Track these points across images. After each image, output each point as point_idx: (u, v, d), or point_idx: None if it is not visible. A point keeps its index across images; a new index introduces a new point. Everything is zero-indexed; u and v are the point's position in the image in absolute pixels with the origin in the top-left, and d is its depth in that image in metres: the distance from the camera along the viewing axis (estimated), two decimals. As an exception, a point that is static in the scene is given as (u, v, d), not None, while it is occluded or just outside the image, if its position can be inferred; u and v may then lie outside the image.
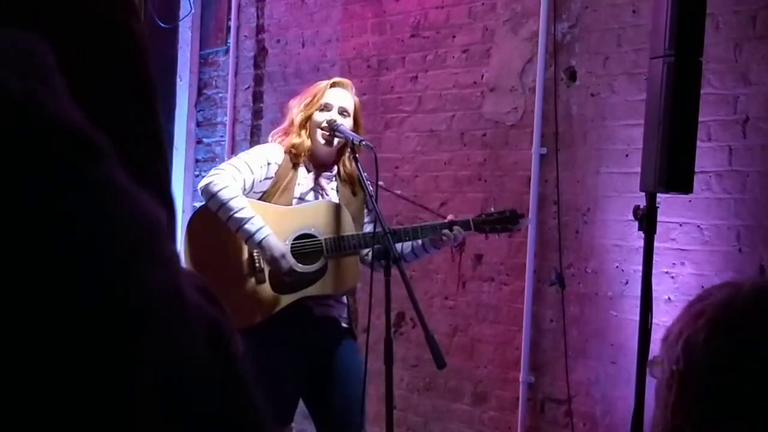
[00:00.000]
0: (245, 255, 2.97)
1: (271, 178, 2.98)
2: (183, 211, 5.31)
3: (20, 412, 0.39)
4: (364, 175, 2.98)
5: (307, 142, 3.00)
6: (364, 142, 2.92)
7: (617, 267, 3.61)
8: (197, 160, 5.80)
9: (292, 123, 3.05)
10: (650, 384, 1.70)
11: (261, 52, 5.33)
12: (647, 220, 2.84)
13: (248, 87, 5.41)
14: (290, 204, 2.99)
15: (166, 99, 5.62)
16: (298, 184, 3.01)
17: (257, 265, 2.95)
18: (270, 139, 3.14)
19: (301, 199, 3.01)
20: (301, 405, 3.11)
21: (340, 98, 3.05)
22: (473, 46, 4.18)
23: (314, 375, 3.02)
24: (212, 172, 2.95)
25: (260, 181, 2.97)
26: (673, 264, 3.42)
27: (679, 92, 2.73)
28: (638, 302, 2.91)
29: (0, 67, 0.43)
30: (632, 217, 2.92)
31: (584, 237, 3.74)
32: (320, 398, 3.04)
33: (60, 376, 0.40)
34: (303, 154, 3.00)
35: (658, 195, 2.89)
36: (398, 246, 2.92)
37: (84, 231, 0.41)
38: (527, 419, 3.90)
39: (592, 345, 3.68)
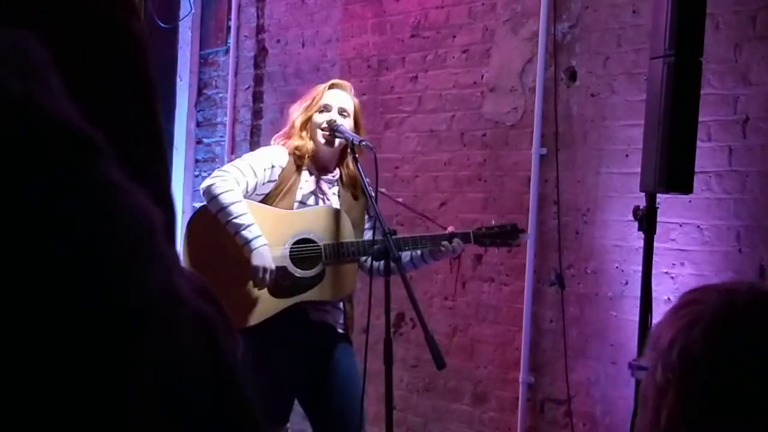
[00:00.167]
0: (244, 256, 2.97)
1: (275, 180, 2.98)
2: (183, 211, 5.31)
3: (21, 412, 0.39)
4: (367, 181, 2.98)
5: (310, 144, 3.01)
6: (363, 143, 2.92)
7: (617, 267, 3.61)
8: (197, 160, 5.80)
9: (292, 126, 3.06)
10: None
11: (261, 52, 5.33)
12: (647, 221, 2.84)
13: (248, 87, 5.40)
14: (291, 207, 2.98)
15: (166, 99, 5.62)
16: (300, 187, 3.01)
17: None
18: (272, 142, 3.14)
19: (303, 203, 3.00)
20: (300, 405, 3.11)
21: (339, 99, 3.06)
22: (473, 46, 4.18)
23: (314, 375, 3.02)
24: (215, 173, 2.94)
25: (263, 184, 2.97)
26: (673, 264, 3.42)
27: (679, 92, 2.73)
28: (638, 302, 2.92)
29: (0, 67, 0.43)
30: (632, 218, 2.92)
31: (584, 237, 3.74)
32: (319, 398, 3.04)
33: (60, 376, 0.40)
34: (306, 155, 3.00)
35: (658, 195, 2.89)
36: None
37: (84, 231, 0.41)
38: (527, 419, 3.90)
39: (592, 345, 3.68)
